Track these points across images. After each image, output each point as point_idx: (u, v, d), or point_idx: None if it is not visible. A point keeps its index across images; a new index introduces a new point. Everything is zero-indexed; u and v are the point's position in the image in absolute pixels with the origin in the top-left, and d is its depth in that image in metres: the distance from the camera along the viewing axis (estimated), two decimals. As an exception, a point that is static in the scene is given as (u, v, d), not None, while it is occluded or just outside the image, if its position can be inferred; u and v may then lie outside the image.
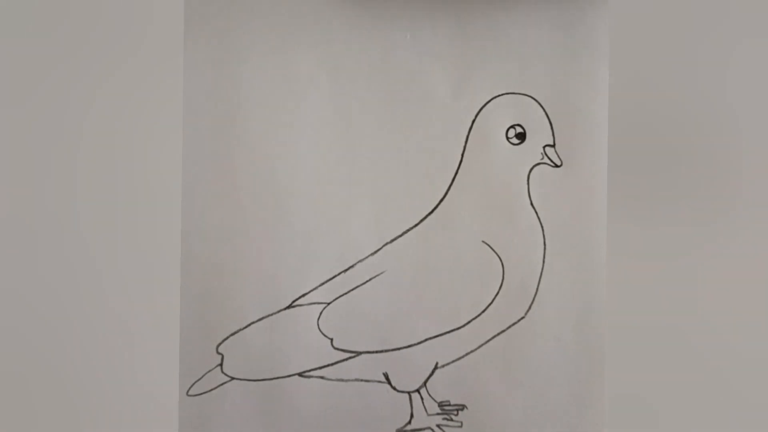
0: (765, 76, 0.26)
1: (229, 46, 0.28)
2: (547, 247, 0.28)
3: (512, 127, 0.29)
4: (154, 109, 0.29)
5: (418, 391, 0.29)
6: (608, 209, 0.27)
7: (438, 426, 0.29)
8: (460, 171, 0.29)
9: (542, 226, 0.28)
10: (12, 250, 0.29)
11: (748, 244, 0.27)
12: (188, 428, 0.28)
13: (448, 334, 0.29)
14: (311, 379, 0.29)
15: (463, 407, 0.29)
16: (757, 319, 0.27)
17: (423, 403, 0.29)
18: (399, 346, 0.29)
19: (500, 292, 0.28)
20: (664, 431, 0.28)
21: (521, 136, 0.29)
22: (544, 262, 0.29)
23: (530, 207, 0.29)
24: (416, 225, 0.29)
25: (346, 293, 0.28)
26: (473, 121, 0.29)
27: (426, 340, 0.29)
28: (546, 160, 0.29)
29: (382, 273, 0.29)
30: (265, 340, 0.28)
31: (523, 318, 0.29)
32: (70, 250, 0.29)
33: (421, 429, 0.29)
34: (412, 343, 0.29)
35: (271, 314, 0.28)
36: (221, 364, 0.28)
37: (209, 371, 0.28)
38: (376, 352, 0.29)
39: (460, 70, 0.29)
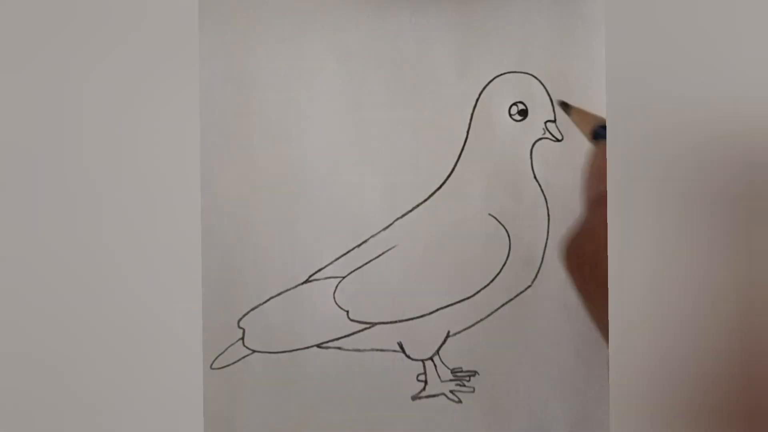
0: (766, 56, 0.27)
1: (242, 35, 0.30)
2: (550, 217, 0.30)
3: (514, 104, 0.30)
4: (172, 95, 0.30)
5: (431, 359, 0.30)
6: (608, 179, 0.28)
7: (451, 392, 0.30)
8: (465, 147, 0.30)
9: (546, 198, 0.30)
10: (34, 234, 0.30)
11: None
12: (213, 400, 0.30)
13: (458, 304, 0.30)
14: (329, 350, 0.30)
15: (474, 373, 0.30)
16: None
17: (436, 370, 0.30)
18: (412, 317, 0.30)
19: (507, 262, 0.30)
20: (669, 391, 0.29)
21: (523, 113, 0.30)
22: (548, 232, 0.30)
23: (534, 180, 0.30)
24: (425, 200, 0.30)
25: (360, 267, 0.30)
26: (477, 100, 0.30)
27: (438, 310, 0.30)
28: (548, 135, 0.30)
29: (394, 247, 0.30)
30: (284, 314, 0.30)
31: (529, 287, 0.30)
32: (92, 230, 0.30)
33: (435, 395, 0.30)
34: (425, 313, 0.30)
35: (289, 289, 0.30)
36: (243, 338, 0.30)
37: (231, 345, 0.30)
38: (391, 322, 0.30)
39: (464, 51, 0.30)
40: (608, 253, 0.21)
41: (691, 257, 0.25)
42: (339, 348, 0.30)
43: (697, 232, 0.25)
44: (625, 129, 0.29)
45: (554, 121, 0.30)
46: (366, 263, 0.30)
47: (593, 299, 0.26)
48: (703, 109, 0.26)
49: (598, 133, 0.28)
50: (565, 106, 0.29)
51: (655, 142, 0.26)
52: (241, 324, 0.30)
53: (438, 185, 0.30)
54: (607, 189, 0.23)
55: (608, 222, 0.22)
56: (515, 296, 0.30)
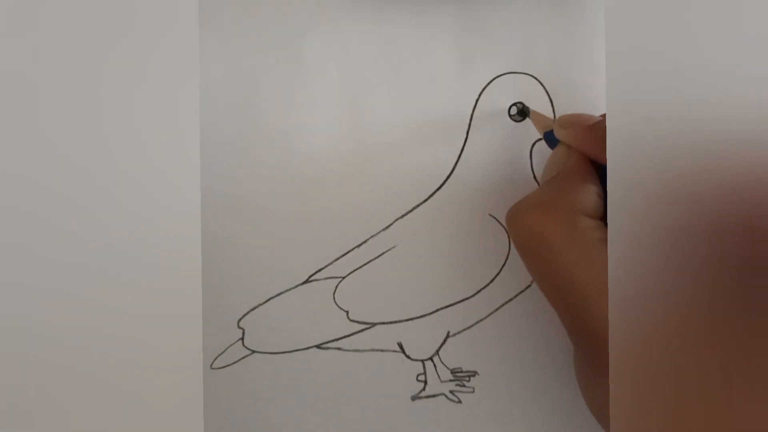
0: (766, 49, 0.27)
1: (242, 35, 0.30)
2: (550, 217, 0.30)
3: (514, 104, 0.30)
4: (172, 95, 0.30)
5: (431, 359, 0.30)
6: (608, 180, 0.28)
7: (451, 392, 0.30)
8: (465, 147, 0.30)
9: (546, 198, 0.30)
10: (33, 235, 0.30)
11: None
12: (213, 400, 0.30)
13: (458, 304, 0.30)
14: (329, 350, 0.30)
15: (474, 373, 0.30)
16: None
17: (436, 370, 0.30)
18: (412, 317, 0.30)
19: (507, 262, 0.30)
20: (669, 398, 0.29)
21: (523, 113, 0.30)
22: (548, 232, 0.30)
23: (533, 180, 0.30)
24: (425, 200, 0.30)
25: (360, 267, 0.30)
26: (477, 100, 0.30)
27: (437, 310, 0.30)
28: (547, 135, 0.30)
29: (394, 247, 0.30)
30: (284, 314, 0.30)
31: (529, 286, 0.30)
32: (92, 230, 0.30)
33: (434, 395, 0.30)
34: (425, 313, 0.30)
35: (289, 289, 0.30)
36: (243, 338, 0.30)
37: (231, 345, 0.30)
38: (390, 323, 0.30)
39: (464, 51, 0.30)
40: (609, 255, 0.21)
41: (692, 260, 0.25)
42: (339, 348, 0.30)
43: (701, 236, 0.24)
44: (625, 130, 0.29)
45: (554, 121, 0.30)
46: (366, 263, 0.30)
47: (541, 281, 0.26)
48: (705, 109, 0.26)
49: (548, 138, 0.28)
50: (525, 109, 0.30)
51: (656, 142, 0.26)
52: (241, 324, 0.30)
53: (438, 185, 0.30)
54: (608, 189, 0.23)
55: (609, 224, 0.22)
56: (515, 296, 0.30)
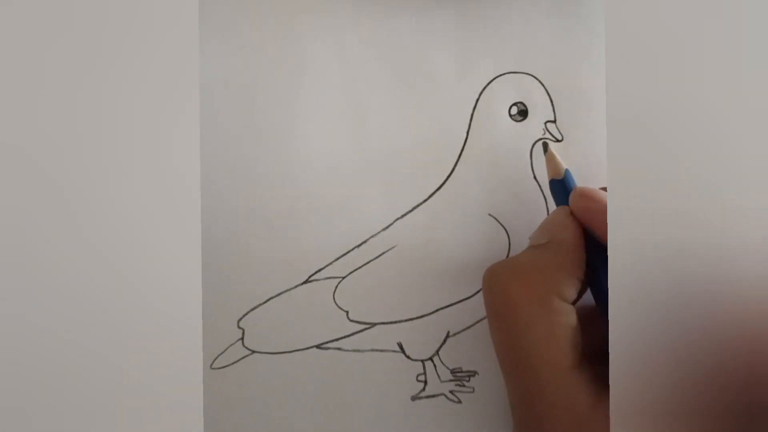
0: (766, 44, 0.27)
1: (242, 36, 0.30)
2: (550, 217, 0.30)
3: (514, 104, 0.30)
4: (172, 96, 0.30)
5: (431, 359, 0.30)
6: (608, 180, 0.28)
7: (451, 392, 0.30)
8: (465, 148, 0.30)
9: (545, 199, 0.30)
10: (32, 239, 0.30)
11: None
12: (213, 400, 0.30)
13: (458, 304, 0.30)
14: (329, 350, 0.30)
15: (474, 373, 0.30)
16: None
17: (436, 370, 0.30)
18: (412, 317, 0.30)
19: (507, 263, 0.30)
20: (668, 392, 0.29)
21: (523, 113, 0.30)
22: (548, 232, 0.30)
23: (533, 180, 0.30)
24: (425, 200, 0.30)
25: (360, 267, 0.30)
26: (477, 100, 0.30)
27: (437, 310, 0.30)
28: (548, 135, 0.30)
29: (394, 247, 0.30)
30: (283, 314, 0.30)
31: (529, 286, 0.30)
32: (91, 231, 0.30)
33: (435, 395, 0.30)
34: (424, 313, 0.30)
35: (289, 289, 0.30)
36: (243, 338, 0.30)
37: (231, 345, 0.30)
38: (390, 323, 0.30)
39: (464, 52, 0.30)
40: (608, 244, 0.21)
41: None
42: (339, 348, 0.30)
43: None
44: (625, 131, 0.29)
45: (554, 121, 0.30)
46: (366, 263, 0.30)
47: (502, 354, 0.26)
48: (705, 109, 0.26)
49: (554, 187, 0.28)
50: (545, 146, 0.30)
51: (656, 142, 0.26)
52: (241, 324, 0.30)
53: (438, 185, 0.30)
54: (609, 182, 0.23)
55: (608, 188, 0.22)
56: (515, 296, 0.30)
